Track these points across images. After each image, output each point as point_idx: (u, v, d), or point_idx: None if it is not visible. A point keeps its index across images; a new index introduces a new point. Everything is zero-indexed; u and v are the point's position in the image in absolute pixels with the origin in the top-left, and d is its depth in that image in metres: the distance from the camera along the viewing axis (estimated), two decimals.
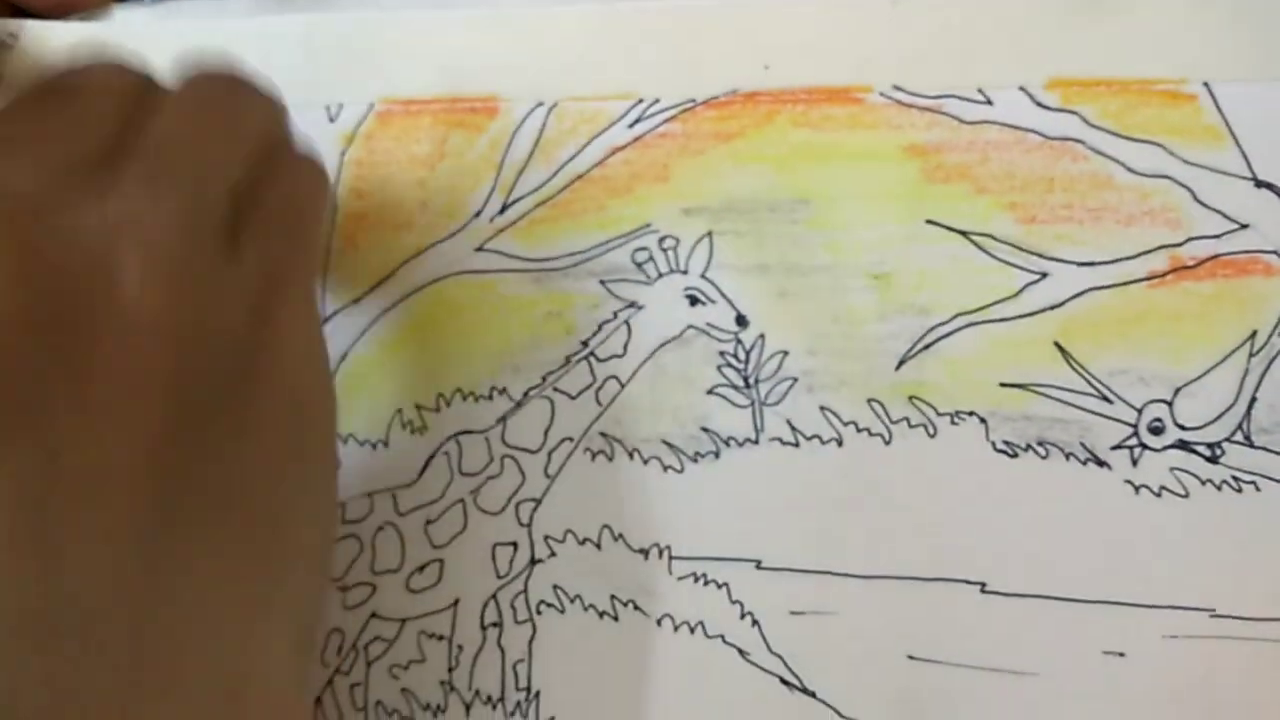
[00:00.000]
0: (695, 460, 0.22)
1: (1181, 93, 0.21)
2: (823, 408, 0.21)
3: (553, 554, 0.22)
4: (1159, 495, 0.20)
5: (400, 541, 0.22)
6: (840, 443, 0.21)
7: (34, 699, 0.14)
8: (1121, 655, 0.20)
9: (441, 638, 0.22)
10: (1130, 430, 0.20)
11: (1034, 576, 0.20)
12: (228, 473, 0.17)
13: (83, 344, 0.15)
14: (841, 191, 0.22)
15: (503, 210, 0.23)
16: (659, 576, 0.21)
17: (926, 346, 0.21)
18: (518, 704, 0.22)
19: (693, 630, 0.21)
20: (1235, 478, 0.20)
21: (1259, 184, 0.21)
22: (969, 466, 0.21)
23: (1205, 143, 0.21)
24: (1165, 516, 0.20)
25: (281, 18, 0.24)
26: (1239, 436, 0.20)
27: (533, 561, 0.22)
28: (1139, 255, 0.21)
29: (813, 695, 0.21)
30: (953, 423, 0.21)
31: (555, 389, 0.22)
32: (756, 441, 0.21)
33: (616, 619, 0.21)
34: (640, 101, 0.23)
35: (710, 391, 0.22)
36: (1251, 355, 0.20)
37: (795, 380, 0.21)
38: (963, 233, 0.21)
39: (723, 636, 0.21)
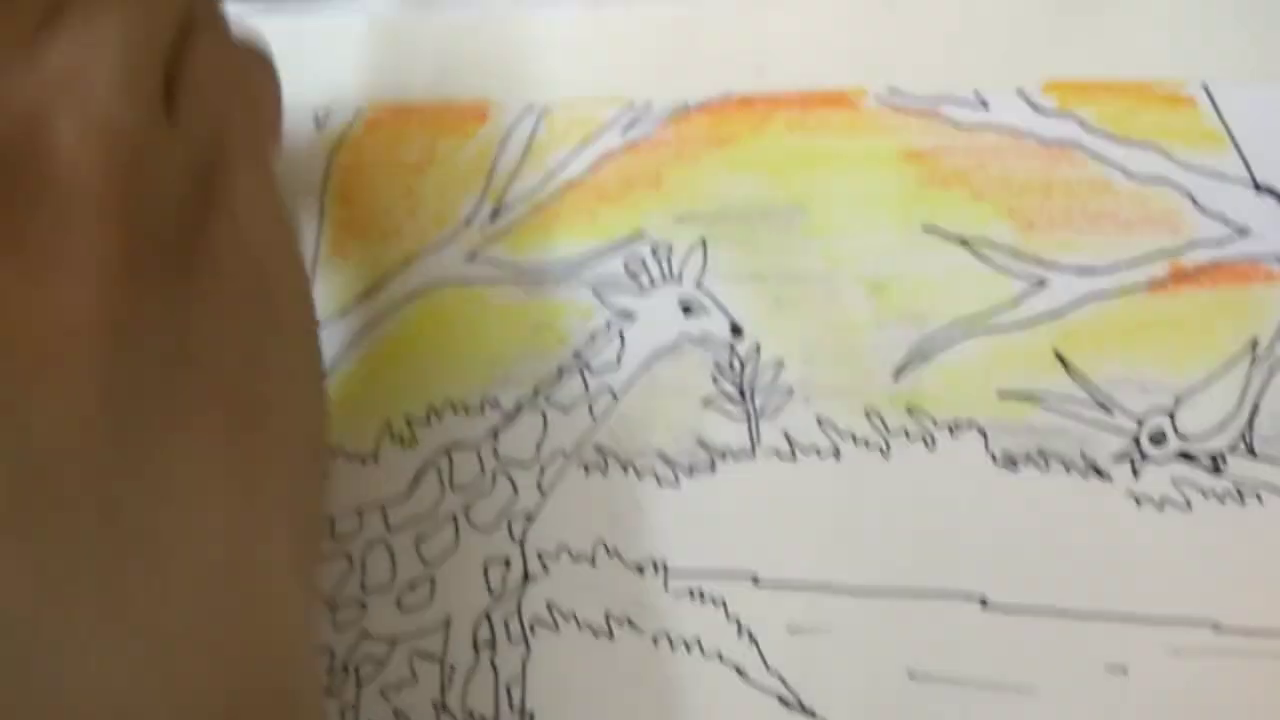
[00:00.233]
0: (690, 474, 0.21)
1: (1180, 95, 0.21)
2: (820, 419, 0.21)
3: (546, 571, 0.22)
4: (1161, 507, 0.20)
5: (391, 558, 0.22)
6: (838, 455, 0.21)
7: (17, 592, 0.14)
8: (1124, 670, 0.20)
9: (434, 658, 0.22)
10: (1131, 440, 0.20)
11: (1035, 590, 0.20)
12: (188, 336, 0.16)
13: (19, 209, 0.15)
14: (837, 197, 0.21)
15: (493, 218, 0.23)
16: (655, 593, 0.21)
17: (924, 356, 0.21)
18: None
19: (689, 648, 0.21)
20: (1238, 488, 0.20)
21: (1259, 188, 0.20)
22: (968, 478, 0.20)
23: (1205, 146, 0.20)
24: (1167, 529, 0.20)
25: (268, 20, 0.24)
26: (1241, 446, 0.20)
27: (526, 579, 0.22)
28: (1139, 263, 0.20)
29: (811, 714, 0.20)
30: (951, 434, 0.20)
31: (548, 401, 0.22)
32: (753, 454, 0.21)
33: (612, 637, 0.21)
34: (632, 106, 0.22)
35: (705, 403, 0.21)
36: (1253, 363, 0.20)
37: (792, 391, 0.21)
38: (960, 240, 0.21)
39: (720, 654, 0.21)
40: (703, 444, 0.21)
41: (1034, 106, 0.21)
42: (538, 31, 0.23)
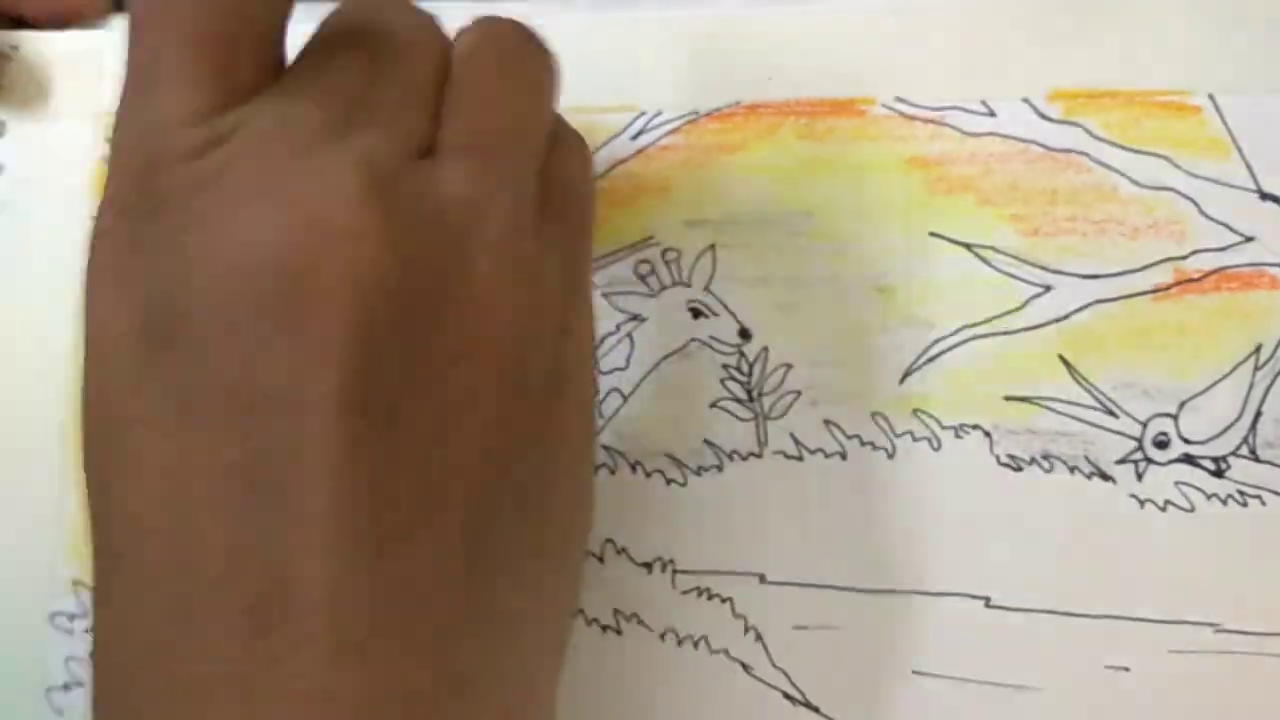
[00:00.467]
0: (698, 474, 0.22)
1: (1186, 104, 0.21)
2: (826, 421, 0.21)
3: None
4: (1164, 509, 0.20)
5: None
6: (844, 456, 0.21)
7: (355, 694, 0.14)
8: (1126, 669, 0.20)
9: None
10: (1135, 444, 0.20)
11: (1038, 590, 0.20)
12: (537, 475, 0.16)
13: (436, 322, 0.15)
14: (844, 204, 0.22)
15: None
16: (663, 590, 0.21)
17: (930, 359, 0.21)
18: None
19: (696, 645, 0.21)
20: (1241, 492, 0.20)
21: (1264, 196, 0.20)
22: (973, 480, 0.21)
23: (1210, 155, 0.21)
24: (1170, 531, 0.20)
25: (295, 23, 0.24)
26: (1244, 450, 0.20)
27: None
28: (1143, 268, 0.21)
29: (816, 710, 0.21)
30: (957, 436, 0.21)
31: None
32: (760, 455, 0.21)
33: (620, 633, 0.21)
34: (643, 114, 0.23)
35: (713, 404, 0.22)
36: (1257, 369, 0.20)
37: (799, 393, 0.21)
38: (966, 245, 0.21)
39: (726, 651, 0.21)
40: (710, 445, 0.22)
41: (1040, 115, 0.21)
42: (549, 39, 0.23)
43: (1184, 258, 0.20)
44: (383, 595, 0.14)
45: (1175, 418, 0.20)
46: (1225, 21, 0.21)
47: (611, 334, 0.22)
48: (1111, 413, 0.20)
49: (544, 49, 0.17)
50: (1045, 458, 0.20)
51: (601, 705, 0.21)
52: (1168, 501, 0.20)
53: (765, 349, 0.22)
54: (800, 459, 0.21)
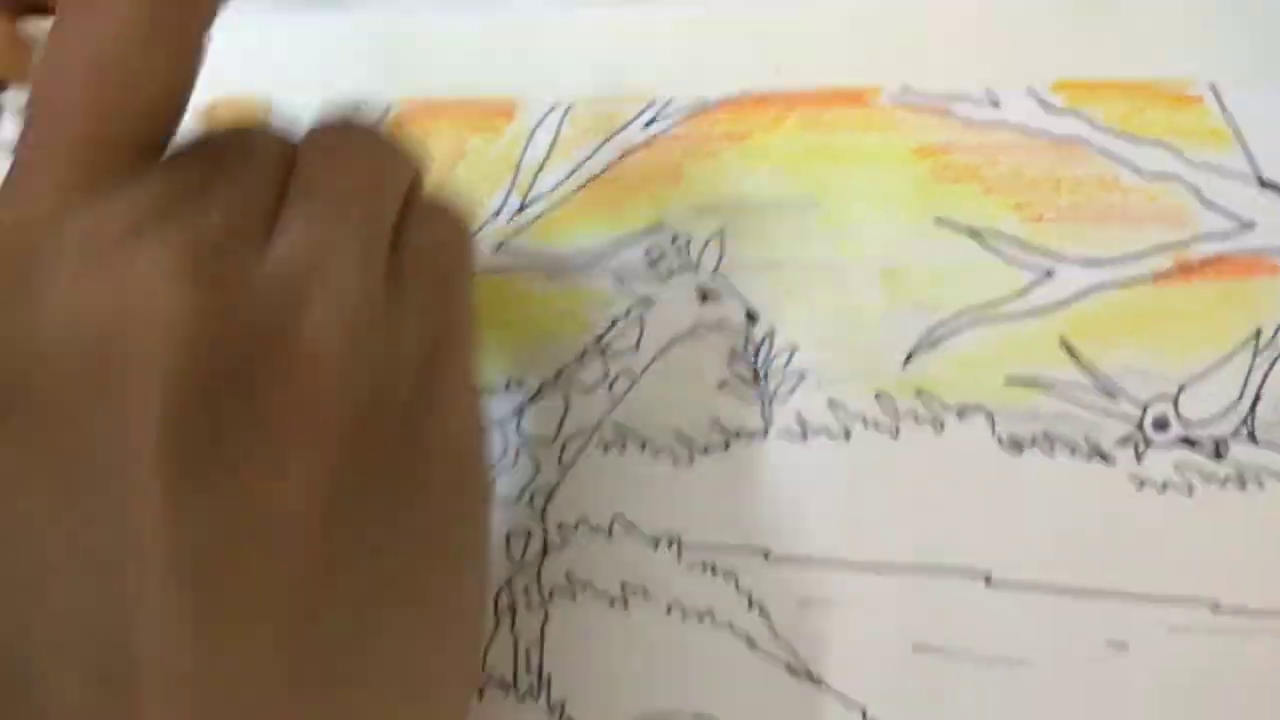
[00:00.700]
0: (705, 452, 0.22)
1: (1188, 94, 0.21)
2: (831, 401, 0.22)
3: (565, 542, 0.22)
4: (1163, 491, 0.20)
5: None
6: (848, 436, 0.21)
7: None
8: (1124, 647, 0.20)
9: None
10: (1135, 426, 0.21)
11: (1038, 569, 0.20)
12: (391, 546, 0.16)
13: (257, 387, 0.15)
14: (851, 191, 0.22)
15: (520, 210, 0.24)
16: (669, 565, 0.22)
17: (934, 343, 0.21)
18: (530, 687, 0.22)
19: (701, 619, 0.22)
20: (1239, 474, 0.20)
21: (1264, 184, 0.21)
22: (975, 460, 0.21)
23: (1211, 144, 0.21)
24: (1169, 512, 0.20)
25: (298, 18, 0.25)
26: (1243, 433, 0.20)
27: (546, 549, 0.22)
28: (1145, 254, 0.21)
29: (819, 683, 0.21)
30: (959, 417, 0.21)
31: (570, 383, 0.23)
32: (765, 434, 0.22)
33: (626, 606, 0.22)
34: (654, 103, 0.23)
35: (720, 386, 0.22)
36: (1256, 352, 0.20)
37: (804, 374, 0.22)
38: (971, 231, 0.22)
39: (731, 625, 0.21)
40: (717, 424, 0.22)
41: (1044, 105, 0.22)
42: (562, 32, 0.24)
43: (1185, 244, 0.21)
44: (206, 676, 0.14)
45: (1175, 400, 0.20)
46: (1227, 12, 0.21)
47: (622, 317, 0.23)
48: (1112, 395, 0.21)
49: (390, 140, 0.18)
50: (1046, 439, 0.21)
51: (608, 677, 0.22)
52: (1167, 483, 0.20)
53: (772, 331, 0.22)
54: (805, 439, 0.22)
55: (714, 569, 0.22)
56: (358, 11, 0.25)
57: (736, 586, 0.21)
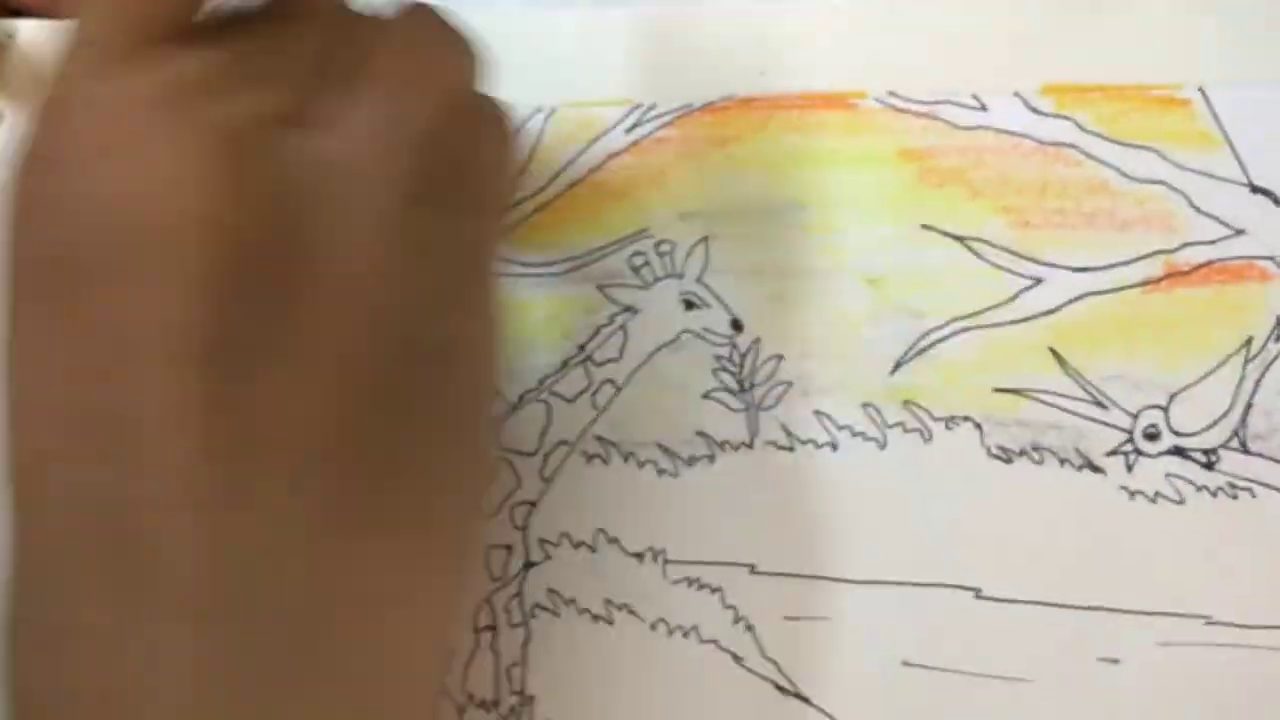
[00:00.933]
0: (690, 464, 0.22)
1: (1176, 98, 0.21)
2: (817, 412, 0.21)
3: (548, 557, 0.22)
4: (1154, 501, 0.20)
5: None
6: (835, 447, 0.21)
7: (185, 671, 0.14)
8: (1116, 662, 0.20)
9: None
10: (1125, 436, 0.20)
11: (1028, 582, 0.20)
12: (410, 448, 0.16)
13: (297, 282, 0.15)
14: (836, 196, 0.22)
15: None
16: (653, 581, 0.21)
17: (921, 351, 0.21)
18: (511, 708, 0.22)
19: (686, 635, 0.21)
20: (1231, 484, 0.20)
21: (1254, 189, 0.21)
22: (963, 471, 0.21)
23: (1200, 148, 0.21)
24: (1160, 523, 0.20)
25: None
26: (1234, 443, 0.20)
27: (527, 565, 0.22)
28: (1134, 261, 0.21)
29: (807, 701, 0.21)
30: (947, 427, 0.21)
31: (551, 393, 0.22)
32: (751, 445, 0.21)
33: (611, 623, 0.22)
34: (637, 107, 0.23)
35: (705, 395, 0.22)
36: (1247, 361, 0.20)
37: (790, 384, 0.21)
38: (957, 238, 0.21)
39: (717, 642, 0.21)
40: (702, 435, 0.22)
41: (1031, 108, 0.21)
42: (545, 35, 0.23)
43: (1174, 250, 0.21)
44: (236, 560, 0.14)
45: (1166, 410, 0.20)
46: (1215, 15, 0.21)
47: (605, 325, 0.22)
48: (1102, 405, 0.20)
49: (457, 33, 0.18)
50: (1035, 449, 0.20)
51: (592, 695, 0.21)
52: (1158, 493, 0.20)
53: (757, 340, 0.22)
54: (791, 450, 0.21)
55: (700, 584, 0.21)
56: None
57: (723, 602, 0.21)
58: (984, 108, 0.21)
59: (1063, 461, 0.20)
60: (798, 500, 0.21)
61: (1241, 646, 0.19)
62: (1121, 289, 0.21)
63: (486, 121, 0.18)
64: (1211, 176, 0.21)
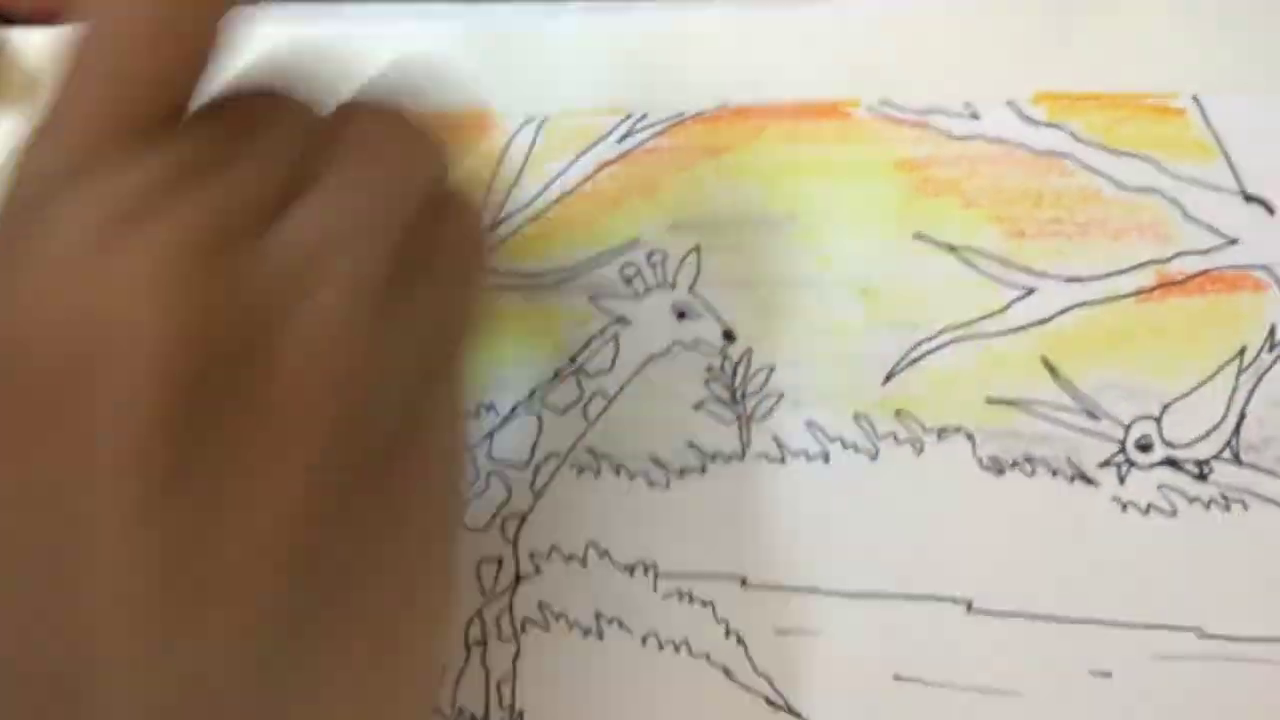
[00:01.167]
0: (681, 476, 0.22)
1: (1170, 106, 0.21)
2: (809, 423, 0.21)
3: (538, 571, 0.22)
4: (1146, 513, 0.20)
5: None
6: (826, 458, 0.21)
7: None
8: (1108, 675, 0.20)
9: None
10: (1118, 447, 0.20)
11: (1020, 595, 0.20)
12: (363, 557, 0.16)
13: (242, 392, 0.14)
14: (829, 206, 0.22)
15: (493, 226, 0.23)
16: (644, 594, 0.21)
17: (913, 362, 0.21)
18: None
19: (678, 649, 0.21)
20: (1224, 496, 0.20)
21: (1248, 198, 0.20)
22: (955, 483, 0.20)
23: (1194, 157, 0.21)
24: (1153, 534, 0.20)
25: (272, 29, 0.24)
26: (1227, 454, 0.20)
27: (518, 578, 0.22)
28: (1127, 271, 0.21)
29: (798, 715, 0.21)
30: (939, 439, 0.21)
31: (543, 404, 0.22)
32: (743, 457, 0.21)
33: (601, 637, 0.21)
34: (629, 117, 0.23)
35: (697, 407, 0.22)
36: (1240, 371, 0.20)
37: (782, 395, 0.21)
38: (950, 247, 0.21)
39: (708, 655, 0.21)
40: (694, 447, 0.22)
41: (1024, 118, 0.21)
42: (537, 44, 0.23)
43: (1167, 260, 0.20)
44: (187, 691, 0.14)
45: (1158, 420, 0.20)
46: (1210, 24, 0.21)
47: (596, 336, 0.22)
48: (1094, 415, 0.20)
49: (423, 132, 0.17)
50: (1028, 461, 0.20)
51: (582, 709, 0.21)
52: (1150, 505, 0.20)
53: (749, 351, 0.22)
54: (783, 461, 0.21)
55: (690, 597, 0.21)
56: (330, 22, 0.24)
57: (714, 615, 0.21)
58: (977, 117, 0.21)
59: (1055, 473, 0.20)
60: (789, 512, 0.21)
61: (1234, 659, 0.19)
62: (1114, 299, 0.21)
63: (456, 217, 0.18)
64: (1205, 186, 0.21)
